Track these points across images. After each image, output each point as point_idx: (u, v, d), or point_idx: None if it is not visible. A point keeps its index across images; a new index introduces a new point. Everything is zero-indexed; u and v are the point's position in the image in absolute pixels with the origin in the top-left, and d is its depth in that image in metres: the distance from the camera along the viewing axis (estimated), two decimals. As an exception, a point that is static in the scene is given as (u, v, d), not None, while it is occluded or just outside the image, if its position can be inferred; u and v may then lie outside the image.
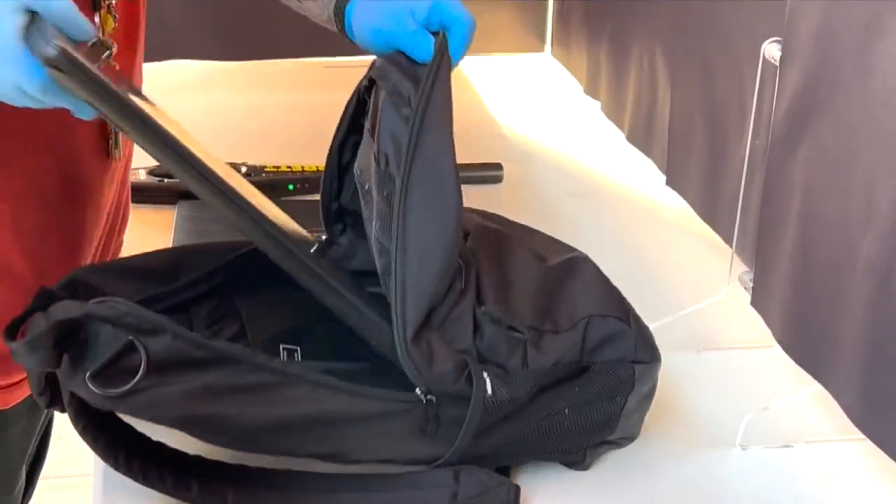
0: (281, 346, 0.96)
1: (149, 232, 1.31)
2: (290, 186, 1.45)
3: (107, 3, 0.98)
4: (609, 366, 0.93)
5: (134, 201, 1.36)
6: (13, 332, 0.86)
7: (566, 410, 0.92)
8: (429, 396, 0.88)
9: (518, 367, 0.91)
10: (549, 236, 1.09)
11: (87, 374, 0.81)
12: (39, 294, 0.88)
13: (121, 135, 1.05)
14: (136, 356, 0.82)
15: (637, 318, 0.96)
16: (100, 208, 1.08)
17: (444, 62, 0.90)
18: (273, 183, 1.44)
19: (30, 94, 0.80)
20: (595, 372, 0.93)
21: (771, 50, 1.02)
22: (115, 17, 0.99)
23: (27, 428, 1.15)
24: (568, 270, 0.99)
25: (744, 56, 1.13)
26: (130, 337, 0.82)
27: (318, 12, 1.07)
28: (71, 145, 1.02)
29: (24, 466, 1.17)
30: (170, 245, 1.26)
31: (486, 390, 0.88)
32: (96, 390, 0.81)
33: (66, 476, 1.63)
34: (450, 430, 0.89)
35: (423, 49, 0.94)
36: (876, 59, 0.86)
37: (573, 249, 1.05)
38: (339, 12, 1.05)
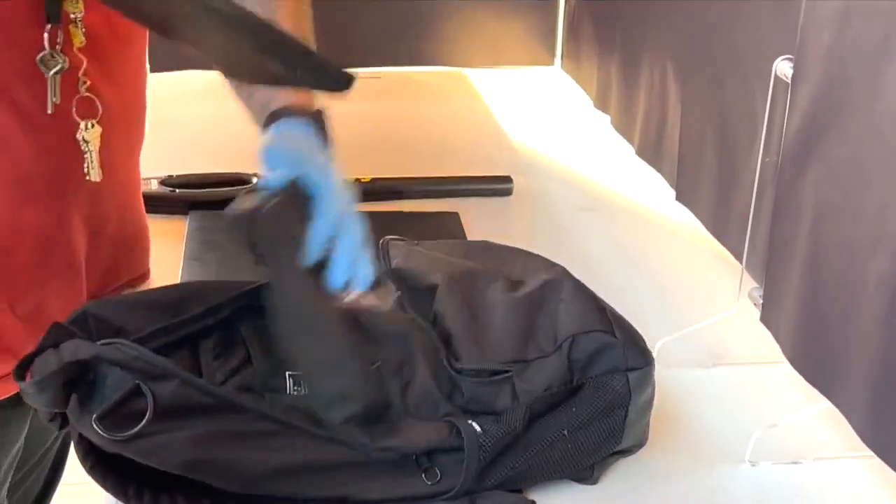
0: (287, 374, 0.96)
1: (160, 241, 1.32)
2: None
3: (73, 16, 0.95)
4: (603, 380, 0.93)
5: (147, 211, 1.37)
6: (24, 369, 0.87)
7: (565, 432, 0.92)
8: (426, 464, 0.89)
9: (508, 404, 0.92)
10: (528, 254, 1.09)
11: (94, 416, 0.82)
12: (51, 330, 0.89)
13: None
14: (142, 400, 0.83)
15: (623, 326, 0.96)
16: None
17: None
18: None
19: None
20: (590, 388, 0.93)
21: (783, 67, 1.03)
22: (82, 31, 0.95)
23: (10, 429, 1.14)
24: (545, 294, 0.99)
25: (755, 73, 1.14)
26: (137, 381, 0.83)
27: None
28: None
29: (10, 470, 1.16)
30: (181, 254, 1.26)
31: (476, 431, 0.89)
32: (102, 433, 0.82)
33: (77, 483, 1.64)
34: (451, 470, 0.89)
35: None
36: (886, 79, 0.86)
37: (552, 266, 1.05)
38: None
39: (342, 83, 0.88)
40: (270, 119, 1.01)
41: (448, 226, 1.40)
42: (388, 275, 1.04)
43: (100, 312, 0.94)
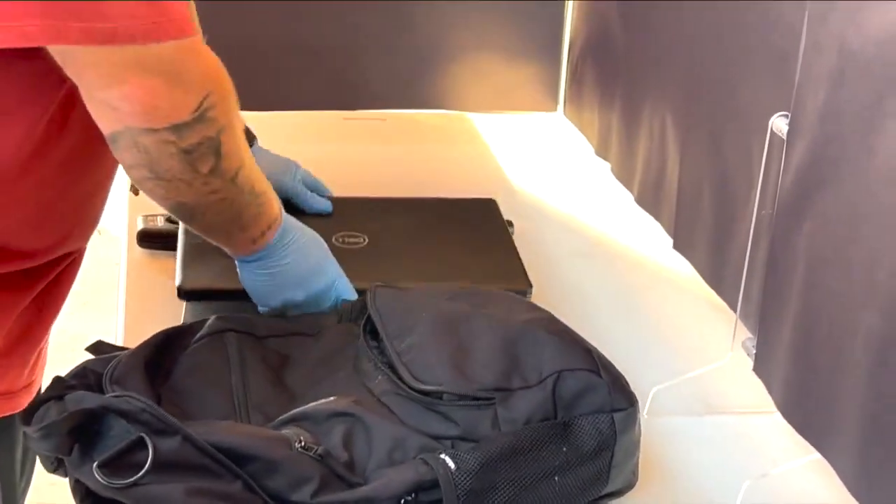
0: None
1: (165, 278, 1.33)
2: None
3: None
4: (588, 420, 0.94)
5: (150, 247, 1.39)
6: (30, 417, 0.92)
7: (556, 478, 0.93)
8: (406, 499, 0.90)
9: (489, 431, 0.93)
10: (515, 298, 1.11)
11: (95, 463, 0.86)
12: (53, 383, 0.95)
13: None
14: (143, 452, 0.86)
15: (608, 367, 0.98)
16: None
17: None
18: None
19: None
20: (576, 429, 0.94)
21: (779, 124, 1.05)
22: None
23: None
24: (531, 328, 1.00)
25: (752, 128, 1.16)
26: (142, 434, 0.87)
27: None
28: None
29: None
30: (177, 258, 1.27)
31: (449, 467, 0.90)
32: (102, 479, 0.85)
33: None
34: None
35: None
36: (879, 139, 0.88)
37: (538, 309, 1.06)
38: None
39: None
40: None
41: (485, 211, 1.43)
42: (373, 312, 1.06)
43: (98, 369, 0.98)
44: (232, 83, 1.01)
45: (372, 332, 1.06)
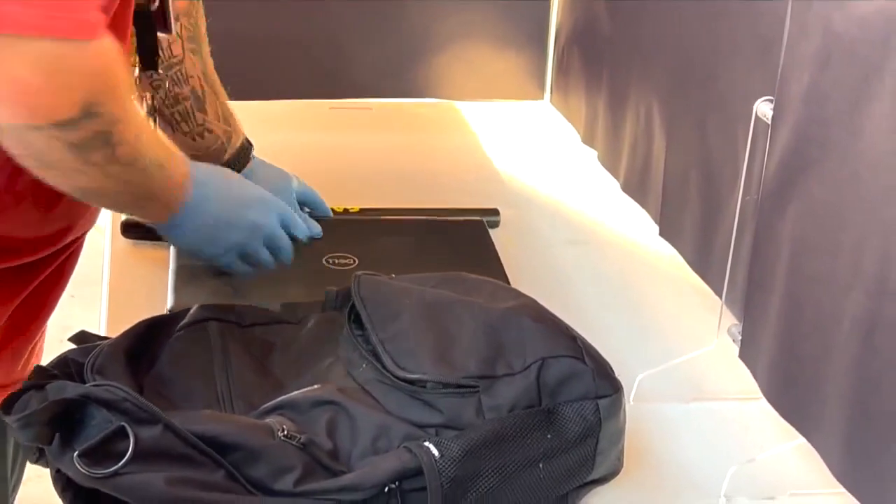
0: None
1: (150, 269, 1.33)
2: None
3: None
4: (573, 407, 0.94)
5: (134, 238, 1.38)
6: (9, 406, 0.90)
7: (541, 465, 0.93)
8: (389, 487, 0.89)
9: (473, 418, 0.93)
10: (500, 285, 1.11)
11: (76, 452, 0.85)
12: (35, 372, 0.94)
13: None
14: (125, 441, 0.85)
15: (592, 353, 0.97)
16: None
17: None
18: None
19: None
20: (561, 415, 0.94)
21: (763, 108, 1.04)
22: None
23: None
24: (516, 315, 1.00)
25: (737, 113, 1.16)
26: (123, 423, 0.86)
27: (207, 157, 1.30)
28: None
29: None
30: (168, 280, 1.27)
31: (433, 455, 0.89)
32: (82, 469, 0.84)
33: None
34: (418, 502, 0.89)
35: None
36: (863, 121, 0.88)
37: (522, 295, 1.06)
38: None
39: None
40: (243, 159, 1.37)
41: (474, 234, 1.43)
42: (357, 300, 1.05)
43: (80, 358, 0.97)
44: (128, 70, 0.98)
45: (357, 320, 1.05)
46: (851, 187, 0.90)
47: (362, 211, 1.51)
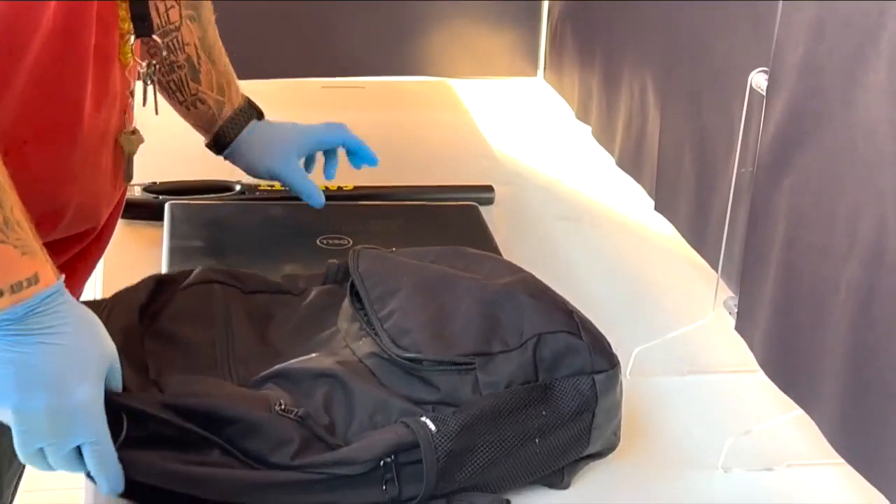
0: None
1: (142, 248, 1.33)
2: None
3: None
4: (569, 382, 0.94)
5: (128, 217, 1.37)
6: None
7: (536, 440, 0.93)
8: (385, 461, 0.89)
9: (470, 395, 0.93)
10: (497, 259, 1.10)
11: None
12: None
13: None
14: (118, 426, 0.87)
15: (588, 328, 0.97)
16: (103, 232, 1.11)
17: None
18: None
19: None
20: (557, 391, 0.94)
21: (758, 80, 1.04)
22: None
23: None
24: (512, 290, 1.00)
25: (731, 85, 1.15)
26: (117, 410, 0.87)
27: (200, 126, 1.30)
28: (93, 173, 1.05)
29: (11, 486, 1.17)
30: (161, 260, 1.27)
31: (429, 429, 0.89)
32: None
33: (54, 489, 1.64)
34: (415, 475, 0.89)
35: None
36: (859, 91, 0.88)
37: (520, 270, 1.06)
38: (219, 145, 1.32)
39: None
40: (225, 137, 1.32)
41: (467, 218, 1.42)
42: (355, 276, 1.05)
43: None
44: None
45: (357, 294, 1.05)
46: (847, 157, 0.90)
47: (356, 189, 1.50)
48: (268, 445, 0.89)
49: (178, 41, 1.25)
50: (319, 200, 1.33)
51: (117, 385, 0.89)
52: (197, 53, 1.28)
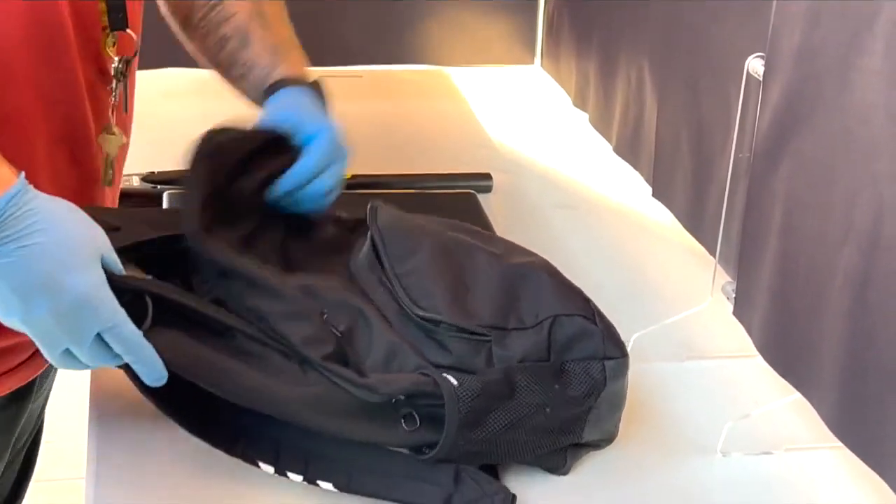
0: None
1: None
2: None
3: None
4: (580, 365, 0.95)
5: (127, 207, 1.37)
6: None
7: (547, 409, 0.94)
8: (398, 397, 0.90)
9: (483, 367, 0.93)
10: (511, 243, 1.10)
11: None
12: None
13: (114, 162, 1.08)
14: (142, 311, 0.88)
15: (602, 316, 0.98)
16: None
17: None
18: None
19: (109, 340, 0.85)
20: (568, 372, 0.94)
21: (754, 65, 1.04)
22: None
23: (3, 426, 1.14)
24: (530, 270, 1.00)
25: (729, 71, 1.16)
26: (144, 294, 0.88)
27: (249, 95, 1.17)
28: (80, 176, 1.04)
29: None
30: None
31: (452, 384, 0.90)
32: None
33: (59, 479, 1.64)
34: (431, 423, 0.90)
35: None
36: (854, 75, 0.88)
37: (533, 254, 1.06)
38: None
39: None
40: (269, 91, 1.11)
41: (466, 206, 1.42)
42: (374, 230, 1.04)
43: (95, 215, 0.94)
44: None
45: (375, 248, 1.04)
46: (843, 142, 0.91)
47: (354, 177, 1.50)
48: (305, 338, 0.90)
49: (222, 15, 1.18)
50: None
51: (117, 266, 0.88)
52: (247, 22, 1.17)
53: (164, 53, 1.77)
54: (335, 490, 0.92)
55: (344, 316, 0.96)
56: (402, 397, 0.90)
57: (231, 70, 1.17)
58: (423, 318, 0.95)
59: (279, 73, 1.14)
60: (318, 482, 0.92)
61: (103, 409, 1.02)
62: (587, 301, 0.99)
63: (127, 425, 1.00)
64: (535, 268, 1.01)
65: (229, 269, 0.96)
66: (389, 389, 0.89)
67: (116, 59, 1.04)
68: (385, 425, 0.91)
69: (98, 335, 0.84)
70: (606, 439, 1.00)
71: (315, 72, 1.91)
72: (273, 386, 0.90)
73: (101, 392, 1.04)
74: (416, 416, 0.90)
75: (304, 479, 0.92)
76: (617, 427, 1.01)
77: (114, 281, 0.86)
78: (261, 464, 0.93)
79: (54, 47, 0.97)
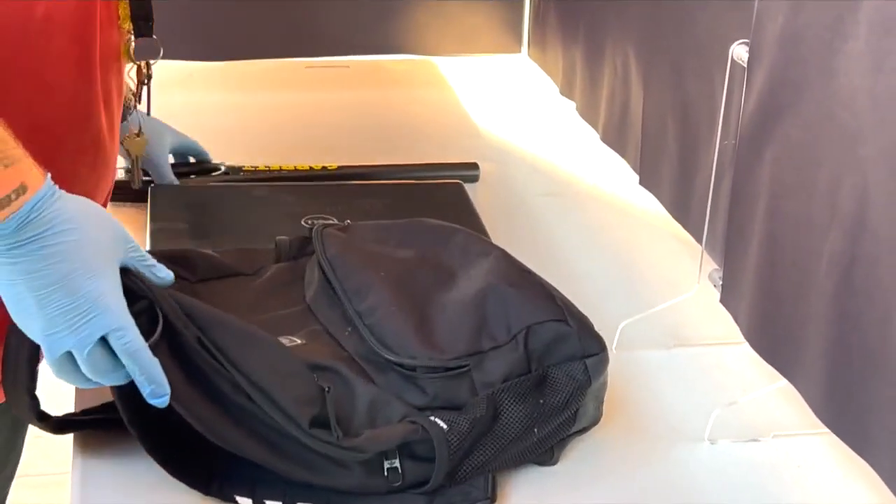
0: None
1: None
2: None
3: None
4: (562, 370, 0.94)
5: (112, 200, 1.37)
6: None
7: (535, 430, 0.94)
8: (392, 463, 0.89)
9: (468, 397, 0.93)
10: (466, 235, 1.08)
11: None
12: None
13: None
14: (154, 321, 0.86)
15: (573, 312, 0.97)
16: None
17: None
18: None
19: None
20: (551, 379, 0.94)
21: (739, 52, 1.04)
22: None
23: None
24: (491, 283, 0.99)
25: (714, 58, 1.15)
26: (154, 305, 0.86)
27: None
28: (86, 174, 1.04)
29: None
30: (146, 240, 1.26)
31: (441, 428, 0.89)
32: None
33: (45, 474, 1.64)
34: (418, 470, 0.90)
35: None
36: (838, 60, 0.88)
37: (491, 249, 1.05)
38: None
39: None
40: None
41: (453, 196, 1.42)
42: (324, 263, 1.03)
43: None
44: None
45: (327, 278, 1.03)
46: (827, 127, 0.90)
47: (340, 168, 1.50)
48: (292, 395, 0.87)
49: None
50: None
51: (146, 269, 0.88)
52: None
53: (148, 46, 1.77)
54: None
55: (323, 375, 0.93)
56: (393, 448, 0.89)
57: None
58: (397, 364, 0.94)
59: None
60: None
61: (89, 404, 1.01)
62: (554, 299, 0.98)
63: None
64: (494, 280, 0.99)
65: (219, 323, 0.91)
66: (378, 447, 0.88)
67: (143, 64, 1.09)
68: (370, 476, 0.89)
69: (103, 341, 0.84)
70: (592, 423, 1.00)
71: (301, 62, 1.92)
72: (260, 444, 0.88)
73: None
74: (401, 470, 0.89)
75: None
76: (600, 410, 1.00)
77: (130, 285, 0.85)
78: (238, 498, 0.90)
79: (89, 60, 0.98)
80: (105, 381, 0.85)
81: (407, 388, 0.94)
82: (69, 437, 0.98)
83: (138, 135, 1.08)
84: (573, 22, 1.70)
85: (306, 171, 1.47)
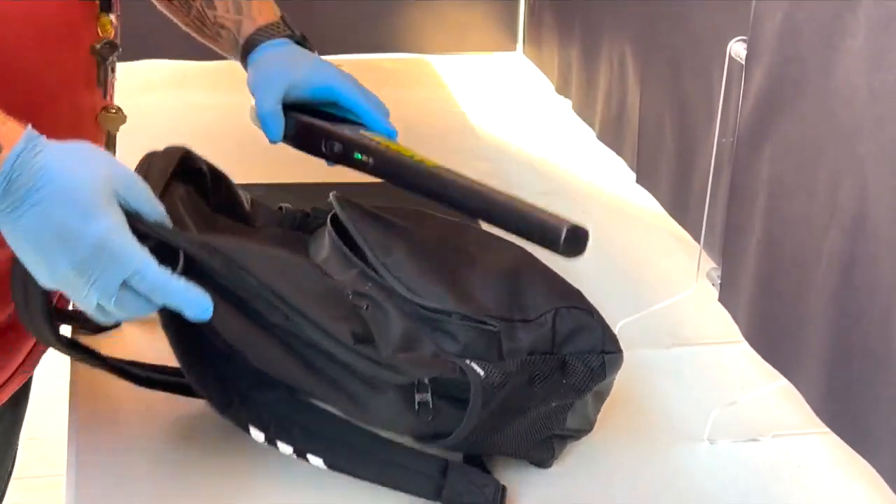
0: None
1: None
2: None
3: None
4: (580, 358, 0.94)
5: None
6: None
7: (553, 403, 0.93)
8: (423, 397, 0.88)
9: (495, 358, 0.92)
10: (481, 229, 1.07)
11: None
12: None
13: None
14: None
15: (597, 312, 0.97)
16: None
17: None
18: None
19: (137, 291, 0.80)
20: (571, 365, 0.94)
21: (737, 49, 1.03)
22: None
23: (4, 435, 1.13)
24: (522, 262, 0.99)
25: (711, 55, 1.15)
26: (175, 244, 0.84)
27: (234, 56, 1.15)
28: None
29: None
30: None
31: (478, 373, 0.88)
32: None
33: (40, 476, 1.63)
34: (447, 414, 0.89)
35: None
36: (837, 57, 0.87)
37: (511, 244, 1.03)
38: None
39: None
40: (247, 50, 1.10)
41: None
42: (345, 220, 1.00)
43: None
44: None
45: (345, 241, 1.00)
46: (826, 125, 0.90)
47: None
48: (330, 313, 0.86)
49: None
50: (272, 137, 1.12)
51: (145, 204, 0.83)
52: None
53: (141, 45, 1.76)
54: (324, 467, 0.90)
55: (359, 298, 0.93)
56: (426, 381, 0.88)
57: (203, 31, 1.15)
58: (430, 310, 0.92)
59: (247, 28, 1.11)
60: (308, 456, 0.89)
61: (83, 407, 1.00)
62: (580, 293, 0.98)
63: (107, 422, 0.99)
64: (527, 263, 0.99)
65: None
66: (416, 372, 0.87)
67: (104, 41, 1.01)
68: (398, 409, 0.89)
69: (126, 283, 0.80)
70: (584, 430, 0.99)
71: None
72: (297, 363, 0.87)
73: (81, 389, 1.03)
74: (431, 405, 0.88)
75: (294, 452, 0.90)
76: (595, 418, 1.00)
77: (137, 226, 0.81)
78: (252, 429, 0.89)
79: (61, 42, 0.95)
80: (144, 314, 0.83)
81: (435, 337, 0.92)
82: (63, 439, 0.98)
83: (116, 111, 1.04)
84: (569, 19, 1.69)
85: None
